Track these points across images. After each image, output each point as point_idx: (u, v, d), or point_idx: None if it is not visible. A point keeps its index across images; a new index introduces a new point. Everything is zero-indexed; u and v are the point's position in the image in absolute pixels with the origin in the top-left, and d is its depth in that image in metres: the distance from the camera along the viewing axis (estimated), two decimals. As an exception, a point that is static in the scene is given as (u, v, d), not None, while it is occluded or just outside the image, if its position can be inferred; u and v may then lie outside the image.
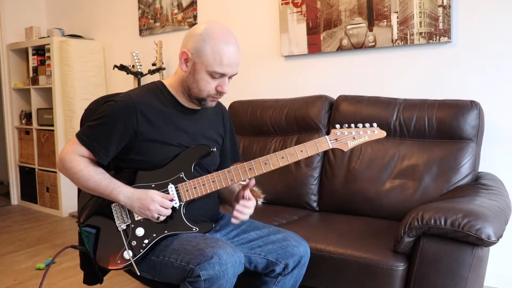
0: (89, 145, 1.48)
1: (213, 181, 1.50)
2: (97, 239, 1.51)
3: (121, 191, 1.46)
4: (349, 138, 1.52)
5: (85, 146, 1.48)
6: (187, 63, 1.48)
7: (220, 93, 1.50)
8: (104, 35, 4.09)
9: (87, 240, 1.52)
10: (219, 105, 1.75)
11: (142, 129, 1.47)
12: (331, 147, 1.50)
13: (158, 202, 1.44)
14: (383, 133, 1.54)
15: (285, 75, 2.97)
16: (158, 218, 1.45)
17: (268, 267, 1.57)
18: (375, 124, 1.55)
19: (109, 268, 1.49)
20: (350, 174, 2.25)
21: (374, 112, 2.28)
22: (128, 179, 1.51)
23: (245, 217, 1.54)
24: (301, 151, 1.49)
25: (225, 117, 1.74)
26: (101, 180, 1.47)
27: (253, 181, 1.53)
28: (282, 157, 1.49)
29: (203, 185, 1.50)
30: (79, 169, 1.48)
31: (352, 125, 1.54)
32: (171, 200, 1.47)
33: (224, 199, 1.70)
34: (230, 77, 1.50)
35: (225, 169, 1.51)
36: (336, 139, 1.51)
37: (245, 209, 1.53)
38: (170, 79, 1.59)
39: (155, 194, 1.45)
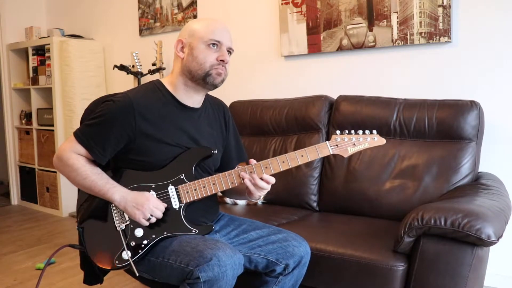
0: (86, 144, 1.48)
1: (213, 183, 1.50)
2: (95, 238, 1.51)
3: (117, 191, 1.46)
4: (349, 144, 1.54)
5: (82, 144, 1.48)
6: (183, 49, 1.54)
7: (222, 63, 1.51)
8: (104, 35, 4.09)
9: (85, 240, 1.52)
10: (220, 103, 1.75)
11: (141, 129, 1.47)
12: (331, 153, 1.53)
13: (152, 203, 1.44)
14: (382, 141, 1.56)
15: (285, 75, 2.97)
16: (149, 219, 1.44)
17: (268, 267, 1.57)
18: (374, 132, 1.57)
19: (108, 268, 1.49)
20: (350, 174, 2.25)
21: (374, 112, 2.28)
22: (128, 179, 1.51)
23: (261, 192, 1.50)
24: (302, 156, 1.51)
25: (226, 115, 1.74)
26: (98, 180, 1.47)
27: (253, 160, 1.52)
28: (283, 162, 1.50)
29: (204, 187, 1.50)
30: (76, 168, 1.48)
31: (352, 131, 1.56)
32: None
33: (236, 193, 1.68)
34: (229, 51, 1.55)
35: (225, 172, 1.51)
36: (336, 145, 1.53)
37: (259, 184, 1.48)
38: (168, 78, 1.59)
39: (150, 195, 1.46)
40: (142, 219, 1.44)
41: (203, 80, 1.51)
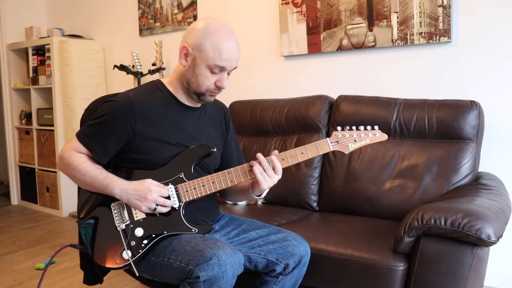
0: (87, 143, 1.49)
1: (213, 182, 1.50)
2: (96, 238, 1.50)
3: (117, 185, 1.46)
4: (350, 140, 1.51)
5: (84, 144, 1.49)
6: (187, 57, 1.50)
7: (219, 88, 1.50)
8: (104, 35, 4.09)
9: (86, 240, 1.52)
10: (220, 103, 1.75)
11: (141, 128, 1.48)
12: (332, 150, 1.50)
13: (155, 192, 1.44)
14: (384, 136, 1.53)
15: (285, 75, 2.97)
16: (155, 209, 1.44)
17: (268, 266, 1.57)
18: (376, 127, 1.54)
19: (108, 267, 1.49)
20: (350, 174, 2.25)
21: (374, 112, 2.27)
22: (128, 179, 1.50)
23: (267, 181, 1.47)
24: (302, 153, 1.49)
25: (226, 115, 1.74)
26: (98, 175, 1.48)
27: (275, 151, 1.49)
28: (283, 159, 1.49)
29: (203, 186, 1.50)
30: (76, 164, 1.48)
31: (354, 127, 1.53)
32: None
33: (238, 192, 1.67)
34: (229, 72, 1.51)
35: (225, 170, 1.51)
36: (337, 141, 1.51)
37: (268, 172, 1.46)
38: (169, 77, 1.60)
39: (151, 184, 1.45)
40: (148, 210, 1.45)
41: (197, 96, 1.52)
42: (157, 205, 1.44)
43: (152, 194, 1.43)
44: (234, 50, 1.47)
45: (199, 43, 1.46)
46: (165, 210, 1.47)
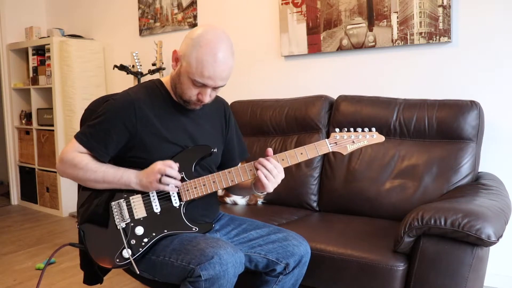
0: (87, 144, 1.49)
1: (213, 182, 1.51)
2: (96, 237, 1.50)
3: (131, 173, 1.48)
4: (349, 142, 1.54)
5: (83, 145, 1.49)
6: (177, 62, 1.50)
7: (200, 101, 1.49)
8: (104, 35, 4.09)
9: (85, 238, 1.52)
10: (220, 100, 1.75)
11: (141, 127, 1.48)
12: (330, 151, 1.53)
13: (161, 163, 1.45)
14: (381, 138, 1.57)
15: (285, 75, 2.97)
16: (161, 180, 1.44)
17: (268, 266, 1.57)
18: (373, 129, 1.58)
19: (108, 266, 1.49)
20: (350, 174, 2.25)
21: (374, 112, 2.28)
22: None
23: (272, 183, 1.48)
24: (301, 153, 1.51)
25: (226, 113, 1.74)
26: (108, 169, 1.49)
27: (270, 151, 1.51)
28: (283, 159, 1.51)
29: (204, 185, 1.50)
30: (85, 163, 1.48)
31: (352, 129, 1.56)
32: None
33: (241, 189, 1.68)
34: (215, 88, 1.48)
35: (225, 170, 1.52)
36: (335, 142, 1.54)
37: (273, 171, 1.47)
38: (167, 77, 1.60)
39: (155, 163, 1.46)
40: (157, 184, 1.44)
41: (182, 101, 1.52)
42: (162, 175, 1.44)
43: (158, 166, 1.44)
44: (218, 68, 1.41)
45: (186, 52, 1.44)
46: (172, 181, 1.45)
